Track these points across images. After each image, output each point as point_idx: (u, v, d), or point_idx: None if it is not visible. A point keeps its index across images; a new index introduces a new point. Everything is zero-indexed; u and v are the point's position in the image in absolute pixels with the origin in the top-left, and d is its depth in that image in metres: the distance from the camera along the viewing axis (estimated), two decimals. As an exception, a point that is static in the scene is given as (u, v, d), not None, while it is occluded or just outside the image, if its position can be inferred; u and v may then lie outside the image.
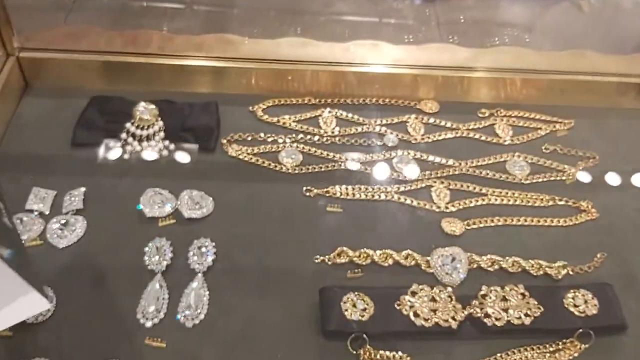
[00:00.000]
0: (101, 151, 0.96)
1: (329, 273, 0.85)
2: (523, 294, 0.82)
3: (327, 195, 0.94)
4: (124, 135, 0.97)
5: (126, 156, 0.96)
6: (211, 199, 0.91)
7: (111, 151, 0.96)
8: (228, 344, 0.77)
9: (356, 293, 0.79)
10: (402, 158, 1.00)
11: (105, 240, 0.85)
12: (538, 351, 0.79)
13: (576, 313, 0.80)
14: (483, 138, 1.05)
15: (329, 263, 0.86)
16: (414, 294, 0.81)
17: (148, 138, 0.97)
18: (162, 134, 0.98)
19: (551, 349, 0.80)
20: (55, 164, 0.95)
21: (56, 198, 0.89)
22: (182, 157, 0.97)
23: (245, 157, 0.98)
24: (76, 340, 0.76)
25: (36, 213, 0.87)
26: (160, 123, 0.98)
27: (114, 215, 0.88)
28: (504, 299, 0.81)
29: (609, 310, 0.81)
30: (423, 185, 0.97)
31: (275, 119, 1.04)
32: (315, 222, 0.91)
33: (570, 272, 0.87)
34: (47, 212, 0.87)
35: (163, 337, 0.77)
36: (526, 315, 0.80)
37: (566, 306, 0.81)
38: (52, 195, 0.89)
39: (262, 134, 1.01)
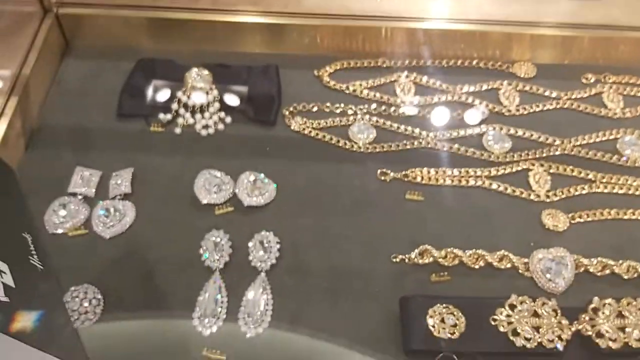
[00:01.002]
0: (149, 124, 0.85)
1: (409, 275, 0.74)
2: (644, 310, 0.69)
3: (406, 179, 0.81)
4: (174, 106, 0.86)
5: (177, 130, 0.84)
6: (272, 183, 0.79)
7: (161, 124, 0.85)
8: (293, 358, 0.67)
9: (445, 305, 0.68)
10: (494, 135, 0.85)
11: (155, 230, 0.76)
12: (660, 378, 0.67)
13: None
14: (588, 110, 0.89)
15: (409, 263, 0.74)
16: (512, 307, 0.68)
17: (202, 109, 0.85)
18: (217, 104, 0.86)
19: (676, 376, 0.68)
20: (99, 137, 0.84)
21: (102, 179, 0.80)
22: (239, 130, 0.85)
23: (310, 131, 0.85)
24: (124, 350, 0.67)
25: (80, 197, 0.78)
26: (215, 92, 0.86)
27: (165, 201, 0.78)
28: (620, 314, 0.68)
29: None
30: (519, 168, 0.83)
31: (344, 86, 0.90)
32: (392, 212, 0.79)
33: (697, 280, 0.74)
34: (92, 196, 0.78)
35: (222, 347, 0.67)
36: (648, 337, 0.67)
37: (696, 326, 0.68)
38: (98, 176, 0.79)
39: (329, 104, 0.88)
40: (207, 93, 0.85)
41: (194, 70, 0.85)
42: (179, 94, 0.86)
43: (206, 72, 0.86)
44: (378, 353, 0.68)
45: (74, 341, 0.50)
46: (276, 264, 0.73)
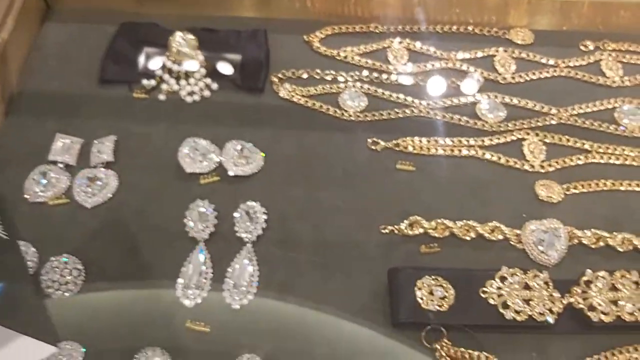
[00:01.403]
0: (132, 90, 0.82)
1: (399, 246, 0.72)
2: (637, 283, 0.67)
3: (397, 149, 0.79)
4: (159, 72, 0.83)
5: (161, 97, 0.82)
6: (259, 152, 0.77)
7: (144, 91, 0.82)
8: (281, 331, 0.66)
9: (433, 277, 0.66)
10: (488, 103, 0.83)
11: (138, 199, 0.74)
12: (651, 352, 0.66)
13: None
14: (587, 78, 0.86)
15: (399, 234, 0.72)
16: (503, 279, 0.67)
17: (187, 75, 0.82)
18: (203, 70, 0.83)
19: (667, 349, 0.66)
20: (81, 104, 0.82)
21: (83, 147, 0.77)
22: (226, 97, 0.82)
23: (299, 99, 0.83)
24: (106, 320, 0.66)
25: (61, 165, 0.75)
26: (201, 57, 0.83)
27: (148, 170, 0.76)
28: (613, 287, 0.67)
29: None
30: (513, 137, 0.81)
31: (335, 52, 0.87)
32: (382, 182, 0.76)
33: (693, 253, 0.72)
34: (73, 164, 0.76)
35: (206, 319, 0.66)
36: (641, 310, 0.66)
37: (691, 300, 0.66)
38: (79, 144, 0.77)
39: (319, 71, 0.85)
40: (193, 59, 0.83)
41: (179, 34, 0.82)
42: (163, 59, 0.83)
43: (191, 36, 0.83)
44: (367, 324, 0.66)
45: (41, 316, 0.48)
46: (263, 235, 0.71)
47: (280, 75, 0.85)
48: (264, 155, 0.77)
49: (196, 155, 0.75)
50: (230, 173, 0.75)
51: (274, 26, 0.89)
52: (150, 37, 0.85)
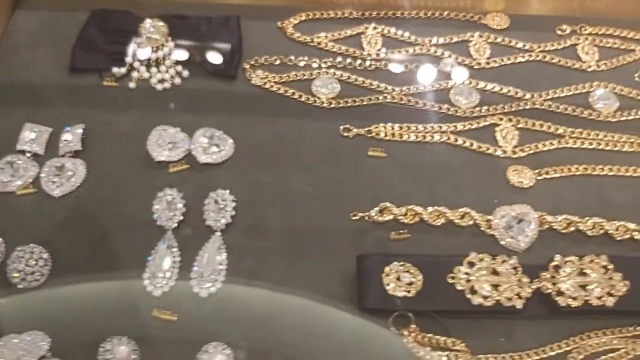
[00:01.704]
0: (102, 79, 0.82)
1: (369, 233, 0.72)
2: (605, 267, 0.67)
3: (369, 135, 0.78)
4: (129, 59, 0.82)
5: (132, 85, 0.81)
6: (231, 139, 0.76)
7: (114, 78, 0.81)
8: (249, 319, 0.65)
9: (401, 263, 0.66)
10: (461, 88, 0.82)
11: (107, 188, 0.73)
12: (620, 336, 0.66)
13: (672, 293, 0.66)
14: (562, 63, 0.86)
15: (369, 221, 0.72)
16: (471, 264, 0.67)
17: (157, 62, 0.82)
18: (173, 57, 0.82)
19: (636, 333, 0.66)
20: (50, 93, 0.81)
21: (52, 136, 0.76)
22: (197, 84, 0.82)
23: (271, 86, 0.82)
24: (73, 310, 0.65)
25: (29, 154, 0.75)
26: (172, 44, 0.82)
27: (117, 159, 0.75)
28: (582, 272, 0.67)
29: None
30: (486, 123, 0.80)
31: (308, 38, 0.87)
32: (353, 169, 0.76)
33: (665, 237, 0.72)
34: (41, 154, 0.75)
35: (174, 308, 0.66)
36: (609, 294, 0.65)
37: (659, 283, 0.66)
38: (48, 133, 0.76)
39: (292, 57, 0.85)
40: (163, 45, 0.82)
41: (148, 21, 0.81)
42: (133, 46, 0.82)
43: (161, 23, 0.82)
44: (335, 311, 0.66)
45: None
46: (232, 223, 0.71)
47: (252, 62, 0.84)
48: (234, 142, 0.76)
49: (165, 144, 0.75)
50: (200, 161, 0.74)
51: (247, 13, 0.88)
52: (122, 24, 0.84)
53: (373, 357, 0.64)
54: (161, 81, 0.81)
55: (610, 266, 0.67)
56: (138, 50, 0.82)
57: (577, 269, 0.67)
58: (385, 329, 0.65)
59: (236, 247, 0.69)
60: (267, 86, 0.82)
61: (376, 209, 0.72)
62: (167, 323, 0.65)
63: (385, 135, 0.78)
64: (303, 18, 0.89)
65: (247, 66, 0.83)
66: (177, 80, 0.81)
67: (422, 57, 0.86)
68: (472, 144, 0.78)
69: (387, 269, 0.66)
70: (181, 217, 0.70)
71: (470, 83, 0.83)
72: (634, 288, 0.66)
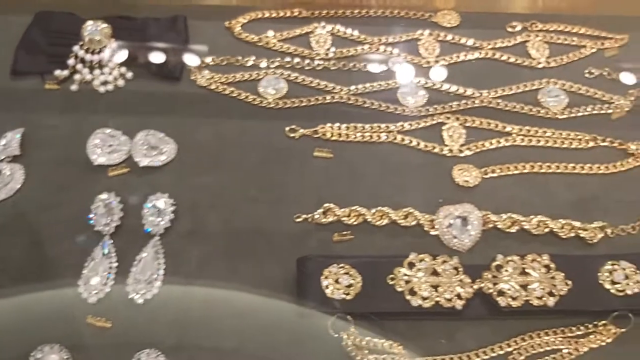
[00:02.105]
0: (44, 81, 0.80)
1: (313, 235, 0.71)
2: (547, 266, 0.66)
3: (316, 136, 0.77)
4: (71, 62, 0.80)
5: (74, 87, 0.80)
6: (173, 142, 0.75)
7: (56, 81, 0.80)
8: (186, 324, 0.64)
9: (340, 265, 0.65)
10: (408, 87, 0.81)
11: (45, 193, 0.72)
12: (562, 336, 0.65)
13: (613, 291, 0.65)
14: (512, 60, 0.85)
15: (313, 223, 0.71)
16: (411, 265, 0.66)
17: (100, 65, 0.80)
18: (117, 59, 0.81)
19: (579, 333, 0.65)
20: (-9, 96, 0.80)
21: (-9, 141, 0.75)
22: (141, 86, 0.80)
23: (217, 87, 0.81)
24: (6, 318, 0.64)
25: (-34, 160, 0.73)
26: (115, 45, 0.81)
27: (56, 163, 0.74)
28: (524, 272, 0.66)
29: (656, 289, 0.65)
30: (434, 122, 0.79)
31: (256, 38, 0.86)
32: (299, 170, 0.75)
33: (610, 235, 0.71)
34: (-21, 159, 0.74)
35: (109, 315, 0.64)
36: (550, 294, 0.65)
37: (601, 282, 0.65)
38: (-15, 138, 0.75)
39: (239, 57, 0.84)
40: (106, 47, 0.80)
41: (90, 23, 0.80)
42: (76, 48, 0.80)
43: (104, 25, 0.80)
44: (275, 315, 0.65)
45: None
46: (171, 227, 0.70)
47: (199, 63, 0.83)
48: (177, 145, 0.75)
49: (105, 147, 0.74)
50: (141, 164, 0.73)
51: (194, 13, 0.87)
52: (65, 26, 0.83)
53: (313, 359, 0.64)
54: (104, 83, 0.80)
55: (553, 265, 0.66)
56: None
57: (518, 269, 0.66)
58: (325, 331, 0.64)
59: (175, 252, 0.68)
60: (212, 87, 0.81)
61: (320, 210, 0.71)
62: (101, 330, 0.64)
63: (332, 136, 0.78)
64: (252, 17, 0.88)
65: (193, 67, 0.82)
66: (121, 82, 0.80)
67: (371, 56, 0.85)
68: (418, 144, 0.77)
69: (326, 271, 0.65)
70: (119, 222, 0.69)
71: (419, 82, 0.82)
72: (576, 287, 0.65)
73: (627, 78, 0.83)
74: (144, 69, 0.81)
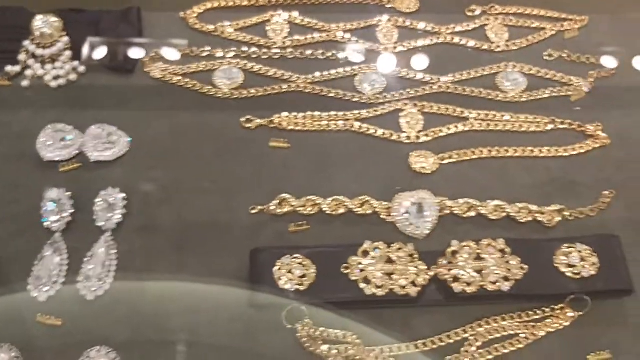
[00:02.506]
0: (-6, 77, 0.79)
1: (269, 226, 0.70)
2: (503, 251, 0.66)
3: (272, 126, 0.76)
4: (22, 57, 0.79)
5: (25, 83, 0.78)
6: (125, 135, 0.74)
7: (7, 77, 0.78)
8: (138, 320, 0.63)
9: (294, 256, 0.64)
10: (366, 75, 0.81)
11: (-6, 191, 0.71)
12: (519, 320, 0.65)
13: (569, 275, 0.65)
14: (471, 44, 0.84)
15: (269, 214, 0.70)
16: (365, 254, 0.65)
17: (52, 59, 0.79)
18: (68, 52, 0.79)
19: (536, 317, 0.65)
20: (-60, 94, 0.78)
21: (-61, 139, 0.74)
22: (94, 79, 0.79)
23: (171, 78, 0.79)
24: (-46, 320, 0.63)
25: None
26: (66, 39, 0.79)
27: (6, 160, 0.72)
28: (479, 257, 0.65)
29: (612, 271, 0.65)
30: (392, 108, 0.79)
31: (212, 28, 0.84)
32: (254, 161, 0.74)
33: (569, 217, 0.71)
34: None
35: (59, 312, 0.63)
36: (505, 279, 0.64)
37: (557, 265, 0.65)
38: None
39: (194, 48, 0.82)
40: (57, 41, 0.79)
41: (39, 17, 0.78)
42: (26, 43, 0.79)
43: (54, 19, 0.79)
44: (229, 308, 0.64)
45: None
46: (123, 222, 0.68)
47: (153, 55, 0.81)
48: (130, 139, 0.74)
49: (56, 142, 0.72)
50: (92, 159, 0.72)
51: (149, 4, 0.85)
52: (14, 21, 0.81)
53: (266, 352, 0.63)
54: (56, 78, 0.78)
55: (508, 250, 0.66)
56: (31, 47, 0.79)
57: (474, 254, 0.65)
58: (280, 323, 0.63)
59: (127, 247, 0.67)
60: (167, 79, 0.79)
61: (275, 201, 0.70)
62: (52, 328, 0.62)
63: (288, 125, 0.76)
64: (207, 7, 0.86)
65: (147, 59, 0.81)
66: (73, 77, 0.79)
67: (329, 44, 0.84)
68: (376, 131, 0.76)
69: (278, 262, 0.64)
70: (70, 218, 0.68)
71: (377, 69, 0.81)
72: (531, 271, 0.65)
73: (607, 61, 0.83)
74: (97, 63, 0.80)
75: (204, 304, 0.64)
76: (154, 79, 0.79)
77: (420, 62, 0.82)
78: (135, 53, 0.80)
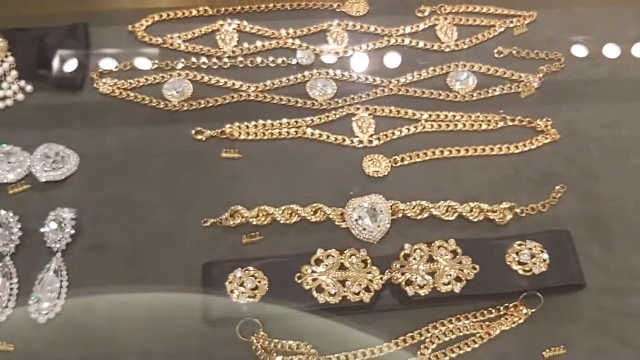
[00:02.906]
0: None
1: (222, 239, 0.69)
2: (454, 252, 0.66)
3: (223, 136, 0.76)
4: (-33, 79, 0.78)
5: (-30, 105, 0.77)
6: (74, 154, 0.73)
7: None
8: (90, 341, 0.63)
9: (245, 269, 0.64)
10: (315, 81, 0.80)
11: (-59, 218, 0.69)
12: (474, 320, 0.65)
13: (521, 272, 0.65)
14: (421, 45, 0.84)
15: (221, 226, 0.69)
16: (318, 262, 0.65)
17: (-2, 79, 0.78)
18: (14, 72, 0.78)
19: (490, 316, 0.65)
20: None
21: None
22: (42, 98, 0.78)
23: (120, 93, 0.79)
24: None
25: None
26: (11, 59, 0.78)
27: (-48, 185, 0.72)
28: (431, 259, 0.66)
29: (563, 267, 0.65)
30: (343, 113, 0.78)
31: (160, 40, 0.83)
32: (206, 173, 0.74)
33: (521, 214, 0.71)
34: None
35: (10, 337, 0.62)
36: (457, 279, 0.64)
37: (508, 264, 0.65)
38: None
39: (143, 61, 0.81)
40: (2, 61, 0.78)
41: (-19, 37, 0.77)
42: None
43: (-1, 38, 0.78)
44: (182, 325, 0.64)
45: None
46: (74, 242, 0.68)
47: (101, 70, 0.80)
48: (79, 157, 0.73)
49: (3, 164, 0.71)
50: (41, 179, 0.71)
51: (95, 19, 0.84)
52: (-42, 41, 0.80)
53: (222, 367, 0.63)
54: (3, 99, 0.77)
55: (459, 250, 0.66)
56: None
57: (426, 256, 0.66)
58: (235, 336, 0.63)
59: (78, 267, 0.66)
60: (115, 94, 0.79)
61: (227, 213, 0.70)
62: (4, 354, 0.62)
63: (240, 135, 0.76)
64: (155, 19, 0.85)
65: (95, 75, 0.80)
66: (20, 97, 0.78)
67: (280, 51, 0.83)
68: (328, 137, 0.76)
69: (230, 275, 0.64)
70: (18, 242, 0.67)
71: (328, 74, 0.81)
72: (483, 271, 0.65)
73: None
74: (45, 81, 0.79)
75: (157, 321, 0.64)
76: (102, 95, 0.79)
77: (371, 65, 0.82)
78: (82, 69, 0.80)
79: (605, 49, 0.84)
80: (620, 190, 0.73)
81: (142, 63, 0.81)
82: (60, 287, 0.65)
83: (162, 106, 0.78)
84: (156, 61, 0.81)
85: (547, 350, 0.64)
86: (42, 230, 0.67)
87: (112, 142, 0.75)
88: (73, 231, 0.68)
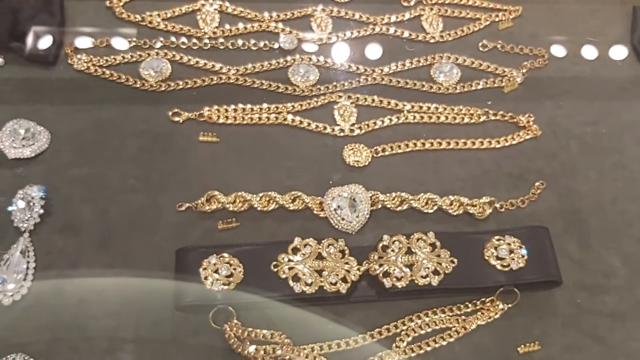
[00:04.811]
0: None
1: (197, 224, 0.68)
2: (433, 245, 0.65)
3: (201, 119, 0.74)
4: (-64, 50, 0.74)
5: (-64, 76, 0.74)
6: (45, 131, 0.70)
7: None
8: (58, 326, 0.61)
9: (220, 255, 0.63)
10: (297, 67, 0.79)
11: None
12: (450, 314, 0.65)
13: (498, 267, 0.65)
14: (406, 35, 0.83)
15: (196, 211, 0.68)
16: (295, 251, 0.64)
17: (-31, 51, 0.75)
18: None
19: (467, 310, 0.65)
20: None
21: None
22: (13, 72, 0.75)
23: (95, 70, 0.76)
24: None
25: None
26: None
27: None
28: (409, 251, 0.65)
29: (541, 263, 0.65)
30: (325, 101, 0.77)
31: (139, 17, 0.81)
32: (183, 156, 0.72)
33: (500, 209, 0.71)
34: None
35: (-27, 320, 0.60)
36: (435, 272, 0.64)
37: (486, 258, 0.65)
38: None
39: (120, 39, 0.79)
40: (-28, 32, 0.75)
41: (-50, 6, 0.74)
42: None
43: (-33, 7, 0.74)
44: (153, 311, 0.62)
45: None
46: (43, 222, 0.65)
47: (75, 46, 0.78)
48: (50, 134, 0.70)
49: (-30, 140, 0.68)
50: (9, 156, 0.68)
51: (73, -8, 0.81)
52: None
53: (193, 354, 0.61)
54: (-29, 71, 0.74)
55: (438, 243, 0.65)
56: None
57: (404, 248, 0.65)
58: (207, 324, 0.61)
59: (46, 248, 0.64)
60: (91, 71, 0.76)
61: (203, 198, 0.68)
62: (-35, 337, 0.59)
63: (219, 119, 0.74)
64: (135, -5, 0.83)
65: (69, 50, 0.77)
66: (-10, 69, 0.75)
67: (262, 34, 0.81)
68: (309, 124, 0.75)
69: (204, 262, 0.62)
70: (-16, 220, 0.65)
71: (310, 60, 0.80)
72: (461, 264, 0.64)
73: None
74: (17, 55, 0.76)
75: (128, 306, 0.62)
76: (77, 71, 0.76)
77: (355, 53, 0.81)
78: (57, 44, 0.77)
79: (585, 48, 0.84)
80: (599, 187, 0.73)
81: (119, 40, 0.79)
82: (27, 268, 0.63)
83: (138, 85, 0.76)
84: (134, 39, 0.79)
85: (522, 346, 0.64)
86: (9, 209, 0.65)
87: (85, 120, 0.73)
88: (42, 211, 0.65)
